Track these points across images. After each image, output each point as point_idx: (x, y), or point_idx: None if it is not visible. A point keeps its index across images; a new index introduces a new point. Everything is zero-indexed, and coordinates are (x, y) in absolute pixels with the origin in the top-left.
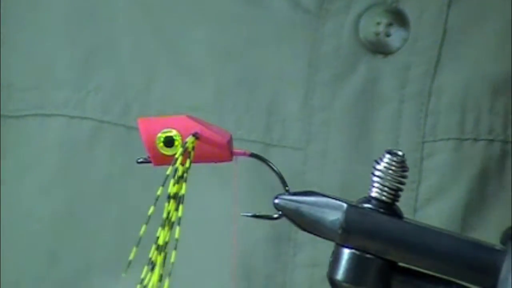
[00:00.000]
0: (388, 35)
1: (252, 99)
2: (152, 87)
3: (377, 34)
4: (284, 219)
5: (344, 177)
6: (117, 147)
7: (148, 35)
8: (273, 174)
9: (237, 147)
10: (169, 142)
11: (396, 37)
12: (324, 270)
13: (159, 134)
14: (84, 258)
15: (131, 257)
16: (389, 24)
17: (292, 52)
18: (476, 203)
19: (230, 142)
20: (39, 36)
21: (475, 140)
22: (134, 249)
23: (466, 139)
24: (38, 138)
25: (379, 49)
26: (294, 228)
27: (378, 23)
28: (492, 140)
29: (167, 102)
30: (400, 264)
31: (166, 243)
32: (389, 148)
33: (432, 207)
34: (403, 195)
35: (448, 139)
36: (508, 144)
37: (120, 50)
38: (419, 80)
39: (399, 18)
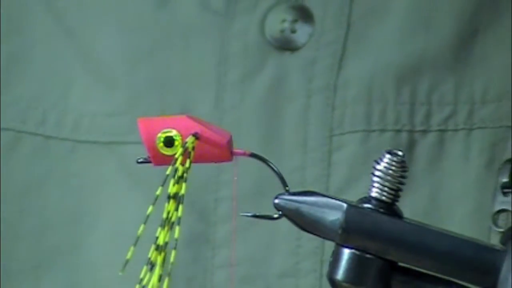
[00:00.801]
0: (293, 31)
1: (164, 102)
2: (69, 95)
3: (282, 31)
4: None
5: (256, 175)
6: (36, 156)
7: (62, 43)
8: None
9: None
10: (169, 142)
11: (301, 33)
12: (243, 269)
13: (159, 134)
14: (4, 264)
15: (128, 256)
16: (294, 21)
17: (202, 54)
18: None
19: (230, 142)
20: None
21: (382, 131)
22: (132, 248)
23: (373, 131)
24: None
25: (285, 45)
26: (211, 229)
27: (284, 20)
28: (399, 131)
29: (83, 109)
30: (400, 264)
31: (166, 243)
32: (389, 148)
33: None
34: (314, 189)
35: (356, 131)
36: (415, 133)
37: (36, 59)
38: (325, 74)
39: (304, 14)
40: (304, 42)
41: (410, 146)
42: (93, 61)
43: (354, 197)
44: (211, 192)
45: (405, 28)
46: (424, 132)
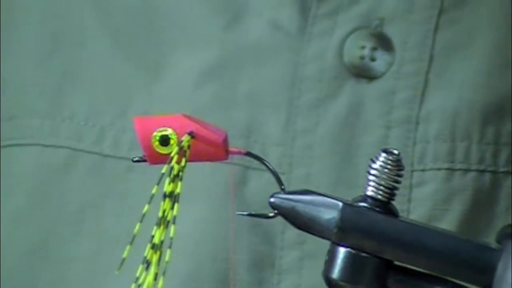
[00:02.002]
0: (373, 59)
1: (229, 121)
2: (127, 114)
3: (362, 58)
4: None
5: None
6: (92, 175)
7: (121, 60)
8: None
9: (214, 170)
10: (164, 141)
11: (381, 61)
12: None
13: (155, 133)
14: (60, 287)
15: (124, 255)
16: (374, 48)
17: (272, 75)
18: (467, 234)
19: (225, 141)
20: (10, 65)
21: (466, 170)
22: (128, 247)
23: (457, 170)
24: (14, 168)
25: (363, 73)
26: (277, 253)
27: (363, 47)
28: (482, 171)
29: None
30: (396, 262)
31: (161, 242)
32: (385, 146)
33: None
34: None
35: (439, 169)
36: (498, 174)
37: (92, 76)
38: (406, 106)
39: (384, 42)
40: (383, 71)
41: (494, 187)
42: (155, 79)
43: None
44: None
45: (490, 65)
46: (508, 174)
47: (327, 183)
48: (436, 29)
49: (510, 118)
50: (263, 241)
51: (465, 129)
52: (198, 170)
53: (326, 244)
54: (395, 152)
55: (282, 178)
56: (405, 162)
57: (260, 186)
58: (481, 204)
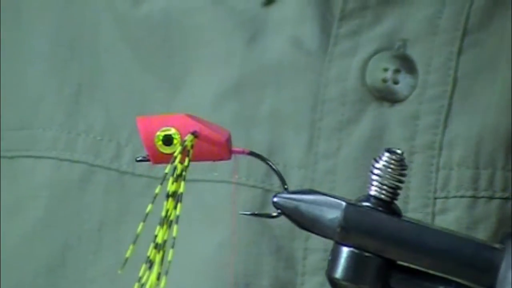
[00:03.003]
0: (396, 82)
1: (250, 140)
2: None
3: (385, 81)
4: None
5: None
6: (110, 192)
7: (140, 73)
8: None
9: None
10: (168, 140)
11: (404, 84)
12: None
13: (158, 133)
14: None
15: (127, 254)
16: (397, 71)
17: (294, 95)
18: None
19: (229, 140)
20: (27, 73)
21: (490, 198)
22: (131, 247)
23: (481, 197)
24: (28, 180)
25: (386, 96)
26: (299, 279)
27: (386, 69)
28: (507, 199)
29: None
30: (399, 262)
31: (164, 242)
32: (388, 147)
33: None
34: None
35: (462, 196)
36: None
37: (109, 88)
38: (429, 131)
39: (407, 64)
40: (406, 95)
41: None
42: (178, 95)
43: None
44: (300, 240)
45: None
46: None
47: None
48: (459, 51)
49: None
50: (285, 267)
51: (489, 155)
52: (219, 192)
53: None
54: (398, 151)
55: None
56: (428, 189)
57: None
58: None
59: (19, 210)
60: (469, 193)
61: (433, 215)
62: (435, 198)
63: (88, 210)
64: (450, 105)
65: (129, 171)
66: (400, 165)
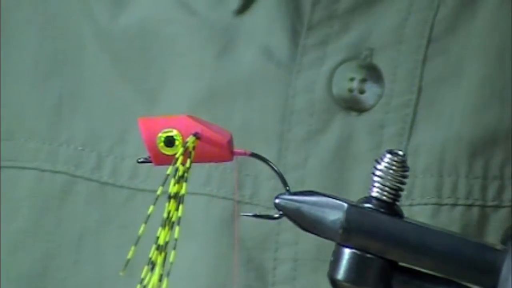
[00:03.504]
0: (361, 91)
1: None
2: (126, 141)
3: (351, 90)
4: None
5: (318, 237)
6: (91, 203)
7: (120, 85)
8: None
9: (207, 204)
10: (169, 142)
11: (370, 94)
12: None
13: (160, 134)
14: None
15: (129, 256)
16: (363, 80)
17: (263, 106)
18: None
19: (230, 142)
20: (8, 85)
21: (453, 205)
22: (133, 248)
23: (444, 204)
24: (11, 191)
25: (353, 106)
26: None
27: (352, 79)
28: (470, 205)
29: (142, 154)
30: (401, 263)
31: (166, 243)
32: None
33: None
34: None
35: (426, 204)
36: (486, 208)
37: (91, 100)
38: (395, 140)
39: (373, 73)
40: (372, 104)
41: (482, 222)
42: (154, 106)
43: None
44: (270, 251)
45: (478, 97)
46: (496, 207)
47: None
48: (424, 59)
49: (499, 151)
50: (255, 277)
51: (452, 163)
52: (192, 205)
53: (317, 280)
54: (400, 153)
55: (274, 212)
56: None
57: (254, 221)
58: None
59: (2, 221)
60: (433, 200)
61: None
62: (400, 206)
63: (68, 221)
64: (415, 113)
65: (110, 182)
66: (402, 166)
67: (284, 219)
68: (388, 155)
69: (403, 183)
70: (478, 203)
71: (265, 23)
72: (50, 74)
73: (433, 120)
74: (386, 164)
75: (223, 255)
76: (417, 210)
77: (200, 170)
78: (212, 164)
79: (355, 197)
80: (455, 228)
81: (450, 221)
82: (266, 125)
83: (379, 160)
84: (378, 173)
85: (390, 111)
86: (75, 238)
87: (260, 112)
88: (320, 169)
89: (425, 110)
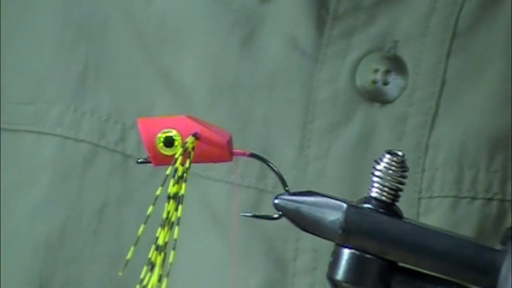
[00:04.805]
0: (385, 83)
1: (244, 139)
2: (151, 114)
3: (375, 82)
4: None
5: None
6: (114, 174)
7: (144, 62)
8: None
9: (231, 192)
10: (169, 142)
11: (393, 85)
12: None
13: (159, 134)
14: (75, 285)
15: (128, 256)
16: (387, 72)
17: (287, 96)
18: None
19: (230, 142)
20: (34, 48)
21: (473, 198)
22: (132, 248)
23: (464, 197)
24: (32, 156)
25: (376, 97)
26: (289, 280)
27: (376, 70)
28: (490, 199)
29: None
30: (400, 264)
31: (165, 243)
32: (389, 148)
33: None
34: None
35: (445, 196)
36: (506, 202)
37: (116, 71)
38: (416, 133)
39: (397, 65)
40: (396, 96)
41: (500, 216)
42: (175, 86)
43: None
44: (291, 241)
45: (500, 92)
46: None
47: None
48: (448, 54)
49: None
50: (276, 267)
51: (473, 156)
52: (215, 192)
53: None
54: (400, 153)
55: None
56: (413, 189)
57: (274, 211)
58: (487, 232)
59: (22, 186)
60: (452, 193)
61: (418, 215)
62: (420, 198)
63: (90, 190)
64: (437, 106)
65: (134, 155)
66: (401, 167)
67: None
68: (388, 155)
69: (402, 183)
70: (497, 197)
71: (291, 11)
72: (76, 41)
73: (454, 113)
74: (385, 165)
75: (244, 244)
76: (436, 202)
77: None
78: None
79: None
80: (474, 221)
81: (469, 214)
82: (289, 115)
83: (378, 161)
84: (377, 173)
85: (413, 103)
86: (95, 208)
87: (283, 102)
88: (341, 160)
89: (447, 104)
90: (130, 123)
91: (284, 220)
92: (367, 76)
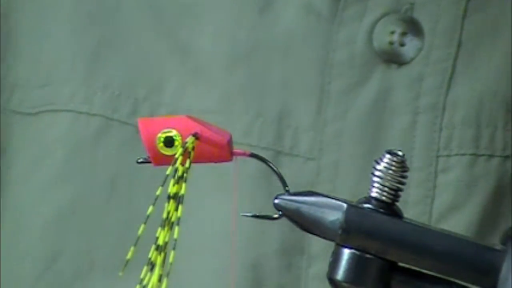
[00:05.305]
0: (402, 44)
1: (262, 105)
2: (163, 88)
3: (392, 43)
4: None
5: (356, 189)
6: (125, 146)
7: (157, 35)
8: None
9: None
10: (169, 142)
11: (410, 46)
12: None
13: (159, 134)
14: (86, 258)
15: (128, 256)
16: (404, 33)
17: (305, 59)
18: (490, 220)
19: (230, 142)
20: (47, 31)
21: (490, 156)
22: (132, 249)
23: (482, 155)
24: (46, 134)
25: (393, 58)
26: (306, 240)
27: (392, 32)
28: (507, 157)
29: (177, 104)
30: (400, 264)
31: (165, 243)
32: (389, 148)
33: (446, 224)
34: (417, 211)
35: (463, 154)
36: None
37: (128, 48)
38: (433, 92)
39: (413, 27)
40: (412, 57)
41: None
42: (190, 57)
43: (457, 225)
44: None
45: None
46: None
47: (355, 169)
48: (464, 15)
49: None
50: (293, 228)
51: (490, 115)
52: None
53: None
54: (399, 153)
55: (312, 164)
56: (431, 148)
57: (291, 172)
58: (505, 190)
59: (36, 162)
60: (470, 151)
61: (436, 174)
62: (438, 157)
63: (102, 163)
64: (454, 66)
65: None
66: (401, 167)
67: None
68: (388, 155)
69: (402, 183)
70: None
71: None
72: (89, 21)
73: (470, 73)
74: (386, 165)
75: (260, 208)
76: (454, 160)
77: (239, 121)
78: (253, 114)
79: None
80: (491, 179)
81: (486, 172)
82: (306, 79)
83: (379, 161)
84: (377, 173)
85: (429, 64)
86: (107, 180)
87: (300, 65)
88: (359, 121)
89: (463, 64)
90: (142, 97)
91: (300, 178)
92: (383, 37)
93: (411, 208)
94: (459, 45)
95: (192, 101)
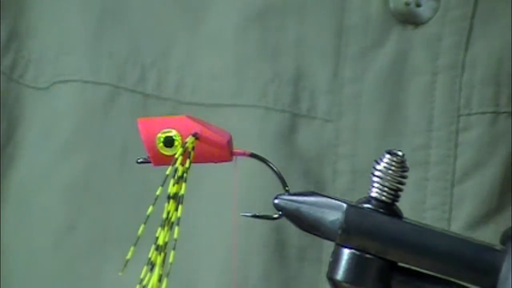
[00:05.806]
0: (418, 5)
1: (276, 68)
2: (171, 54)
3: (408, 4)
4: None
5: (376, 150)
6: (134, 115)
7: (163, 3)
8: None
9: (263, 116)
10: (169, 142)
11: (426, 7)
12: None
13: (159, 134)
14: (100, 228)
15: (128, 256)
16: None
17: (320, 21)
18: None
19: (230, 142)
20: (56, 2)
21: (511, 113)
22: (132, 248)
23: (502, 113)
24: (56, 105)
25: (409, 19)
26: None
27: None
28: None
29: (186, 70)
30: (400, 264)
31: (165, 243)
32: (389, 148)
33: (469, 182)
34: (439, 170)
35: (484, 113)
36: None
37: (133, 14)
38: (452, 52)
39: None
40: (429, 17)
41: None
42: (199, 19)
43: (480, 182)
44: (329, 163)
45: None
46: None
47: (375, 130)
48: None
49: None
50: (315, 189)
51: (509, 73)
52: (247, 118)
53: None
54: (399, 153)
55: (331, 126)
56: (451, 107)
57: (310, 134)
58: None
59: (48, 133)
60: (491, 109)
61: (457, 132)
62: (459, 116)
63: (112, 132)
64: (471, 26)
65: (154, 94)
66: (401, 167)
67: None
68: (387, 155)
69: (402, 183)
70: None
71: None
72: None
73: (488, 33)
74: (385, 165)
75: (281, 167)
76: (475, 119)
77: (253, 84)
78: (268, 77)
79: (412, 110)
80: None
81: (506, 129)
82: (322, 40)
83: (378, 161)
84: (377, 173)
85: (446, 23)
86: (118, 149)
87: (315, 27)
88: (377, 82)
89: (481, 24)
90: (148, 63)
91: (320, 140)
92: None
93: (433, 168)
94: (475, 4)
95: (202, 65)
